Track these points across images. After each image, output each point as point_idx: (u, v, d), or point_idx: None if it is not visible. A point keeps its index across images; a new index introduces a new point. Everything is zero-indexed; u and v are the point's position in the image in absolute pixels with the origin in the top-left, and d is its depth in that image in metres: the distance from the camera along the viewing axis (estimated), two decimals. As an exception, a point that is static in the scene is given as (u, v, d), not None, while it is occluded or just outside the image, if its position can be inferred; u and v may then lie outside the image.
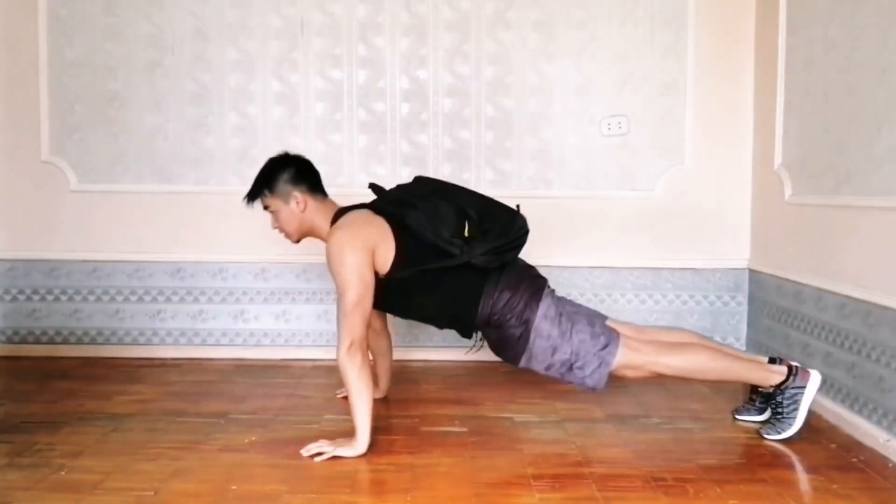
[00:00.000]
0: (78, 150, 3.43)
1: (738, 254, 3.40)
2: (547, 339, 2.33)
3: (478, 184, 3.38)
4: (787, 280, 2.98)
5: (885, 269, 2.33)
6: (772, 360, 2.49)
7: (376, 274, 2.30)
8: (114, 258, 3.45)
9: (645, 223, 3.41)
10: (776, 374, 2.41)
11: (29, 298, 3.48)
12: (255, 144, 3.42)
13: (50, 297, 3.47)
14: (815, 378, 2.40)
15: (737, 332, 3.42)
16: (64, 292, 3.48)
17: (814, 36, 2.78)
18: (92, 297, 3.47)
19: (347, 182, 3.39)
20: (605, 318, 2.45)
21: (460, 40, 3.38)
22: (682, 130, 3.38)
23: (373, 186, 2.51)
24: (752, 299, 3.37)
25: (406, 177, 3.37)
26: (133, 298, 3.47)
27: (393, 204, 2.37)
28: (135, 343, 3.49)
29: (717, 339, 3.38)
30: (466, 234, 2.32)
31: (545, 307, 2.35)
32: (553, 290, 2.44)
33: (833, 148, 2.65)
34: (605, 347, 2.33)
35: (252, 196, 2.43)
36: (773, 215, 3.14)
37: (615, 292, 3.44)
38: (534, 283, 2.40)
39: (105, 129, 3.42)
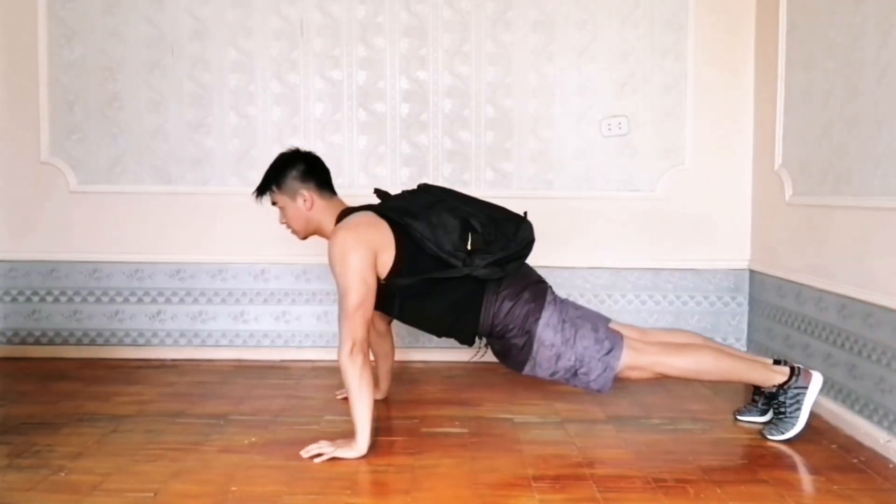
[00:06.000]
0: (77, 151, 3.43)
1: (738, 254, 3.40)
2: (550, 347, 2.32)
3: (478, 184, 3.38)
4: (788, 281, 2.98)
5: (886, 269, 2.33)
6: (776, 362, 2.49)
7: (377, 278, 2.29)
8: (113, 259, 3.45)
9: (645, 224, 3.41)
10: (779, 375, 2.42)
11: (28, 299, 3.47)
12: (254, 145, 3.42)
13: (49, 298, 3.47)
14: (817, 379, 2.40)
15: (737, 332, 3.42)
16: (63, 293, 3.47)
17: (814, 36, 2.78)
18: (91, 298, 3.47)
19: (347, 183, 3.39)
20: (608, 320, 2.44)
21: (460, 41, 3.38)
22: (682, 131, 3.38)
23: (377, 192, 2.50)
24: (752, 300, 3.37)
25: (406, 178, 3.38)
26: (133, 299, 3.47)
27: (396, 212, 2.34)
28: (134, 344, 3.48)
29: (718, 339, 3.38)
30: (470, 246, 2.30)
31: (547, 315, 2.33)
32: (556, 296, 2.43)
33: (833, 148, 2.64)
34: (609, 352, 2.32)
35: (261, 191, 2.43)
36: (773, 216, 3.14)
37: (615, 293, 3.44)
38: (535, 290, 2.38)
39: (104, 129, 3.42)
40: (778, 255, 3.10)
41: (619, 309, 3.41)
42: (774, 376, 2.41)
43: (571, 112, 3.39)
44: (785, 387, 2.40)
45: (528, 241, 2.39)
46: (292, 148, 2.48)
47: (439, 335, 2.50)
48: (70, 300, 3.47)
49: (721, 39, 3.34)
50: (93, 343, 3.48)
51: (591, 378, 2.33)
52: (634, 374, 2.37)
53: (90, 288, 3.47)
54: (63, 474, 2.09)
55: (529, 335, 2.32)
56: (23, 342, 3.48)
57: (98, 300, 3.47)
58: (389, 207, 2.38)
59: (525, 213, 2.45)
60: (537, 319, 2.32)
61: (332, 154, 3.40)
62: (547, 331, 2.32)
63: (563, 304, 2.41)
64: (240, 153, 3.43)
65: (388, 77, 3.40)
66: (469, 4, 3.36)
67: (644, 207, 3.41)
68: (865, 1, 2.45)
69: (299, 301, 3.47)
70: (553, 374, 2.36)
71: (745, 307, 3.41)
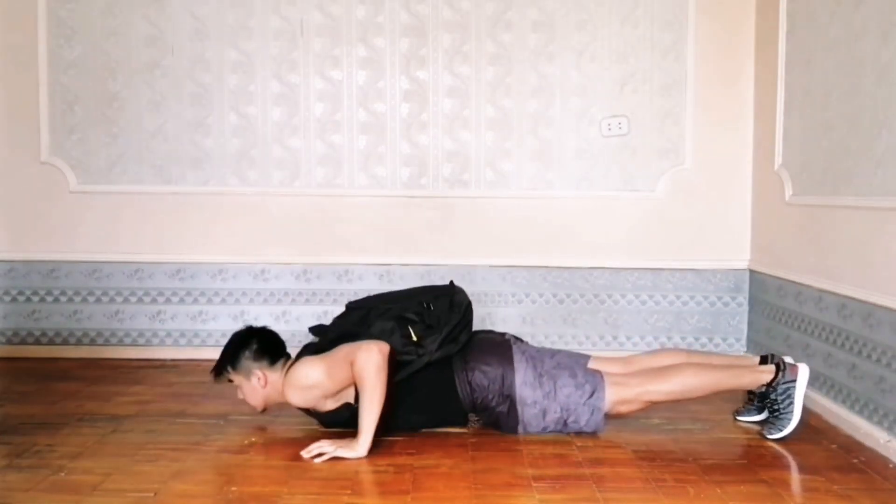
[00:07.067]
0: (77, 151, 3.42)
1: (738, 254, 3.40)
2: (533, 405, 2.38)
3: (478, 185, 3.38)
4: (788, 281, 2.97)
5: (886, 269, 2.33)
6: (763, 359, 2.50)
7: (351, 405, 2.32)
8: (113, 259, 3.45)
9: (645, 224, 3.41)
10: (765, 374, 2.43)
11: (29, 299, 3.47)
12: (254, 145, 3.42)
13: (49, 299, 3.47)
14: (803, 371, 2.42)
15: (737, 332, 3.42)
16: (63, 293, 3.47)
17: (814, 36, 2.78)
18: (91, 298, 3.47)
19: (347, 183, 3.39)
20: (586, 359, 2.47)
21: (460, 41, 3.38)
22: (682, 131, 3.37)
23: (312, 330, 2.56)
24: (752, 300, 3.37)
25: (406, 178, 3.39)
26: (133, 299, 3.47)
27: (335, 341, 2.40)
28: (134, 344, 3.48)
29: (718, 339, 3.39)
30: (415, 338, 2.36)
31: (522, 374, 2.37)
32: (526, 349, 2.46)
33: (833, 148, 2.64)
34: (592, 394, 2.37)
35: (217, 372, 2.45)
36: (773, 216, 3.14)
37: (615, 293, 3.43)
38: (500, 351, 2.42)
39: (104, 129, 3.42)
40: (778, 255, 3.10)
41: (619, 309, 3.41)
42: (761, 376, 2.43)
43: (571, 112, 3.39)
44: (774, 384, 2.41)
45: (466, 305, 2.47)
46: (245, 326, 2.53)
47: (435, 427, 2.50)
48: (70, 300, 3.47)
49: (721, 39, 3.34)
50: (93, 343, 3.47)
51: (582, 423, 2.39)
52: (624, 409, 2.42)
53: (90, 288, 3.47)
54: (63, 474, 2.09)
55: (510, 400, 2.37)
56: (23, 342, 3.48)
57: (98, 300, 3.47)
58: (330, 340, 2.43)
59: (451, 282, 2.54)
60: (513, 381, 2.37)
61: (331, 154, 3.41)
62: (525, 389, 2.37)
63: (537, 357, 2.44)
64: (240, 153, 3.43)
65: (388, 77, 3.40)
66: (469, 4, 3.36)
67: (644, 207, 3.40)
68: (865, 1, 2.45)
69: (299, 301, 3.47)
70: (544, 428, 2.41)
71: (745, 307, 3.41)
